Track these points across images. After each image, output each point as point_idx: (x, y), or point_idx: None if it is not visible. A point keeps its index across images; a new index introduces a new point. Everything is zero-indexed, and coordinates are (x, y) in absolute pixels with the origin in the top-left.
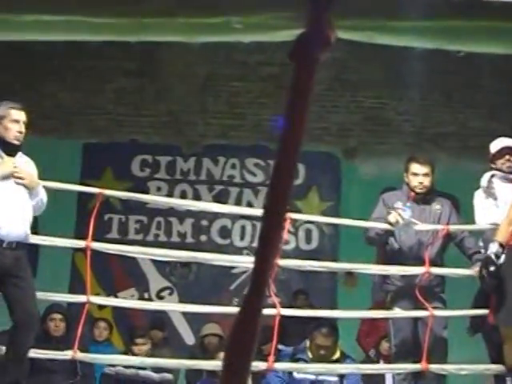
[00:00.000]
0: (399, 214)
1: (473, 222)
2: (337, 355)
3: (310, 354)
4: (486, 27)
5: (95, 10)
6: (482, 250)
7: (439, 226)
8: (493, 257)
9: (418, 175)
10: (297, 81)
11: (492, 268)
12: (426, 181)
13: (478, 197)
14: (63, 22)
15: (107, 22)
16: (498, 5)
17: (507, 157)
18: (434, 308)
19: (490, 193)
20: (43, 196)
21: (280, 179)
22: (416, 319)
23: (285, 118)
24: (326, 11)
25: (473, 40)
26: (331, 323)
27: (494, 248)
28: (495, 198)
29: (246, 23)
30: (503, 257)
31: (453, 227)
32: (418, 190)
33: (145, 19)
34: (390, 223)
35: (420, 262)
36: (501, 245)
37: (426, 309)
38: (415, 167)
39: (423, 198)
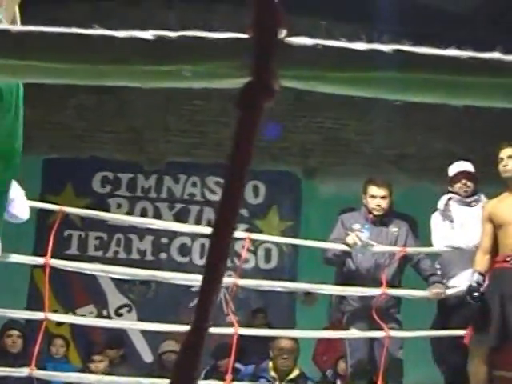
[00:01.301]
0: (357, 236)
1: (430, 242)
2: (295, 373)
3: (272, 373)
4: (422, 79)
5: (52, 56)
6: (439, 272)
7: (396, 248)
8: (475, 285)
9: (376, 197)
10: (242, 128)
11: (476, 294)
12: (384, 203)
13: (435, 219)
14: (20, 66)
15: (63, 68)
16: (433, 58)
17: (464, 181)
18: (390, 329)
19: (446, 215)
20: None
21: (229, 200)
22: (372, 340)
23: (228, 161)
24: (270, 62)
25: (409, 91)
26: (291, 339)
27: (475, 277)
28: (451, 221)
29: (195, 72)
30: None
31: (410, 249)
32: (375, 212)
33: (101, 66)
34: (348, 245)
35: (377, 283)
36: (480, 273)
37: (382, 329)
38: (373, 189)
39: (381, 220)
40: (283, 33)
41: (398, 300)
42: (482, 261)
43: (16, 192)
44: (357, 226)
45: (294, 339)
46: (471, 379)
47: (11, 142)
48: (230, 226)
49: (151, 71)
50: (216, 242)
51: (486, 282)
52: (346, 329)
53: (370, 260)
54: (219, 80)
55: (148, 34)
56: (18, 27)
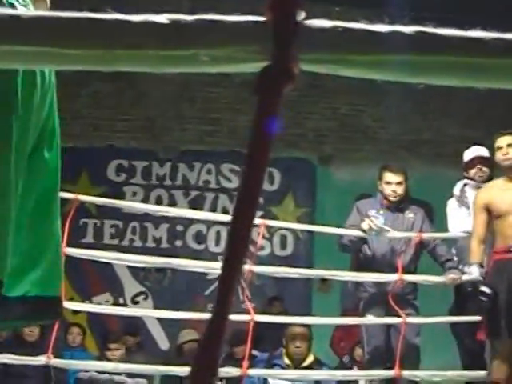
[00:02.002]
0: (372, 222)
1: (446, 228)
2: (309, 360)
3: (286, 360)
4: (444, 61)
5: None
6: (455, 258)
7: (412, 234)
8: (480, 279)
9: (391, 184)
10: (261, 114)
11: (483, 288)
12: (400, 189)
13: (451, 205)
14: (34, 52)
15: (77, 54)
16: (456, 40)
17: (479, 166)
18: (407, 315)
19: (462, 201)
20: None
21: (248, 189)
22: (389, 326)
23: (248, 148)
24: (290, 45)
25: (431, 74)
26: (305, 329)
27: (475, 271)
28: (468, 207)
29: (212, 56)
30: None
31: (426, 235)
32: (391, 199)
33: (115, 51)
34: (363, 230)
35: (393, 269)
36: (480, 265)
37: (398, 316)
38: (388, 176)
39: (396, 206)
40: (302, 15)
41: (414, 286)
42: (479, 251)
43: None
44: (372, 212)
45: (306, 326)
46: (493, 374)
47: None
48: (250, 213)
49: (167, 56)
50: (236, 229)
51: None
52: (363, 315)
53: (386, 246)
54: (237, 64)
55: (163, 18)
56: (30, 12)
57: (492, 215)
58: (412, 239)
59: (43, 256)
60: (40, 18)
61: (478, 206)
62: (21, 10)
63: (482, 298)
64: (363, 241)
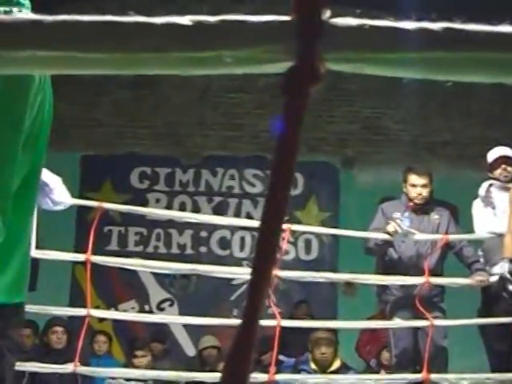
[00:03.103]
0: (398, 225)
1: (472, 229)
2: (336, 365)
3: (312, 365)
4: (473, 58)
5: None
6: (482, 259)
7: (438, 236)
8: (508, 276)
9: (417, 186)
10: (287, 115)
11: (511, 287)
12: (425, 191)
13: (477, 206)
14: (57, 57)
15: (99, 58)
16: (483, 35)
17: (503, 166)
18: (434, 318)
19: (488, 202)
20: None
21: (276, 193)
22: (416, 329)
23: (275, 151)
24: (315, 44)
25: (460, 71)
26: (330, 333)
27: (505, 267)
28: (493, 207)
29: (236, 57)
30: None
31: (452, 237)
32: (416, 201)
33: (137, 54)
34: (389, 233)
35: (419, 272)
36: (511, 261)
37: (425, 318)
38: (413, 178)
39: (421, 208)
40: (327, 14)
41: (441, 288)
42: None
43: (54, 181)
44: (397, 215)
45: (332, 330)
46: None
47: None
48: (279, 219)
49: (190, 58)
50: (265, 234)
51: None
52: (390, 318)
53: (412, 249)
54: (261, 65)
55: (186, 20)
56: (52, 17)
57: None
58: (438, 241)
59: (12, 260)
60: (62, 22)
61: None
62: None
63: (507, 296)
64: (389, 244)
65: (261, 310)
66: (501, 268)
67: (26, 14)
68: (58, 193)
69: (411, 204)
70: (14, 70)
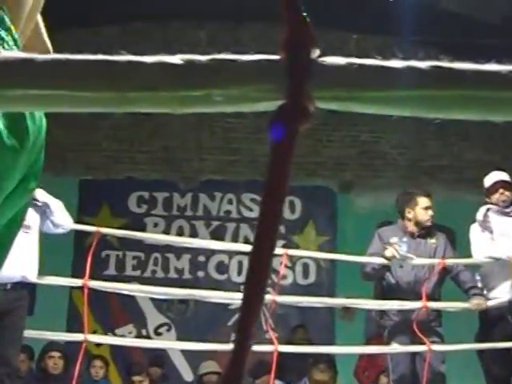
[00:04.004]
0: (395, 249)
1: (469, 253)
2: None
3: None
4: (460, 96)
5: (79, 85)
6: (479, 284)
7: (435, 261)
8: (506, 304)
9: (429, 209)
10: (277, 151)
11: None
12: (432, 213)
13: (474, 230)
14: (48, 96)
15: (91, 96)
16: (470, 74)
17: (501, 190)
18: (432, 342)
19: (485, 226)
20: (56, 213)
21: (268, 215)
22: (414, 354)
23: (265, 186)
24: (305, 83)
25: (448, 108)
26: (328, 358)
27: (506, 291)
28: (491, 232)
29: (226, 96)
30: None
31: (449, 261)
32: (428, 224)
33: (129, 93)
34: (387, 258)
35: (417, 296)
36: None
37: (423, 343)
38: (425, 201)
39: (419, 233)
40: (316, 53)
41: (438, 313)
42: None
43: (56, 204)
44: (394, 240)
45: (330, 356)
46: None
47: None
48: (270, 242)
49: (181, 97)
50: (256, 258)
51: None
52: (388, 343)
53: (409, 273)
54: (251, 103)
55: (176, 59)
56: (43, 56)
57: None
58: (435, 266)
59: None
60: (53, 61)
61: None
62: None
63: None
64: (387, 269)
65: (253, 333)
66: (509, 291)
67: (13, 51)
68: (58, 216)
69: (409, 229)
70: (5, 108)
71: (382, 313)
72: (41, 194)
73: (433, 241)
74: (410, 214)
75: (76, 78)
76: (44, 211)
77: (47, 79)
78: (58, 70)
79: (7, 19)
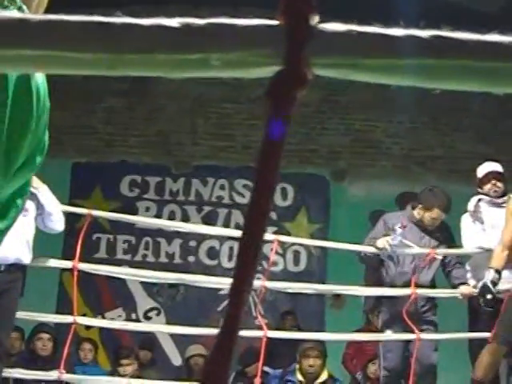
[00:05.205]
0: (387, 241)
1: (461, 244)
2: (323, 377)
3: (299, 377)
4: (461, 66)
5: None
6: (469, 277)
7: (425, 250)
8: (489, 284)
9: (437, 220)
10: (273, 117)
11: (489, 296)
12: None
13: (465, 221)
14: (42, 57)
15: (86, 58)
16: (472, 43)
17: (493, 181)
18: (425, 331)
19: (476, 217)
20: (48, 205)
21: (259, 201)
22: (407, 342)
23: (260, 154)
24: (303, 49)
25: (448, 79)
26: (318, 345)
27: (490, 275)
28: (482, 222)
29: (223, 60)
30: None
31: (440, 251)
32: (429, 229)
33: (124, 55)
34: (378, 248)
35: (416, 286)
36: (497, 271)
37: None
38: (438, 214)
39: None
40: (315, 19)
41: (433, 303)
42: (500, 257)
43: (53, 206)
44: (397, 226)
45: (320, 342)
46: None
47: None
48: (260, 227)
49: (177, 60)
50: (246, 243)
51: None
52: (381, 331)
53: (408, 263)
54: (249, 69)
55: (174, 22)
56: (38, 16)
57: None
58: (431, 258)
59: None
60: (49, 21)
61: (510, 212)
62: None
63: (483, 305)
64: (379, 256)
65: (240, 318)
66: (485, 277)
67: (6, 11)
68: (54, 220)
69: (414, 218)
70: (0, 68)
71: (377, 301)
72: (39, 188)
73: (436, 243)
74: (420, 211)
75: (71, 39)
76: (41, 212)
77: (41, 40)
78: (52, 31)
79: None
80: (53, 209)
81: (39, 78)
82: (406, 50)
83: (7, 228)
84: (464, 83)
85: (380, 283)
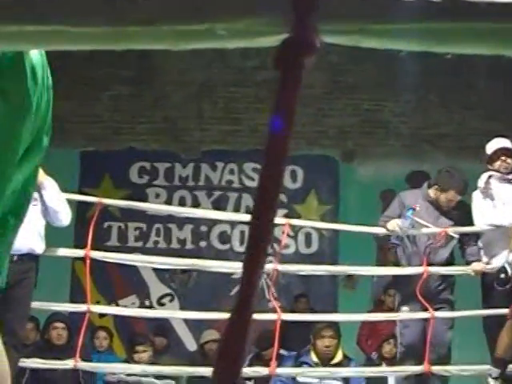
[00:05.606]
0: (397, 224)
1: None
2: (339, 358)
3: (314, 358)
4: (473, 29)
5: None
6: (482, 254)
7: (437, 229)
8: (507, 266)
9: (451, 202)
10: (282, 88)
11: (502, 276)
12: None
13: (476, 198)
14: (45, 32)
15: (90, 32)
16: (484, 6)
17: (503, 158)
18: (441, 310)
19: (487, 194)
20: (51, 201)
21: (268, 185)
22: (424, 321)
23: (271, 124)
24: (310, 16)
25: (460, 42)
26: (332, 325)
27: (510, 257)
28: (493, 199)
29: (230, 30)
30: None
31: (451, 229)
32: (444, 209)
33: (127, 28)
34: (388, 229)
35: (430, 265)
36: None
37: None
38: (453, 195)
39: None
40: None
41: (450, 281)
42: None
43: (57, 203)
44: (408, 212)
45: (334, 323)
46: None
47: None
48: (271, 208)
49: (182, 31)
50: (257, 226)
51: None
52: (397, 310)
53: (424, 242)
54: (256, 38)
55: None
56: None
57: None
58: (446, 238)
59: None
60: None
61: None
62: None
63: (496, 285)
64: (389, 237)
65: (253, 302)
66: (503, 258)
67: None
68: (61, 217)
69: (430, 198)
70: (1, 45)
71: (391, 281)
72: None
73: (451, 222)
74: (436, 191)
75: (74, 13)
76: (47, 209)
77: (43, 15)
78: (54, 6)
79: None
80: (57, 206)
81: (34, 57)
82: (415, 14)
83: (24, 214)
84: (475, 46)
85: (395, 263)
